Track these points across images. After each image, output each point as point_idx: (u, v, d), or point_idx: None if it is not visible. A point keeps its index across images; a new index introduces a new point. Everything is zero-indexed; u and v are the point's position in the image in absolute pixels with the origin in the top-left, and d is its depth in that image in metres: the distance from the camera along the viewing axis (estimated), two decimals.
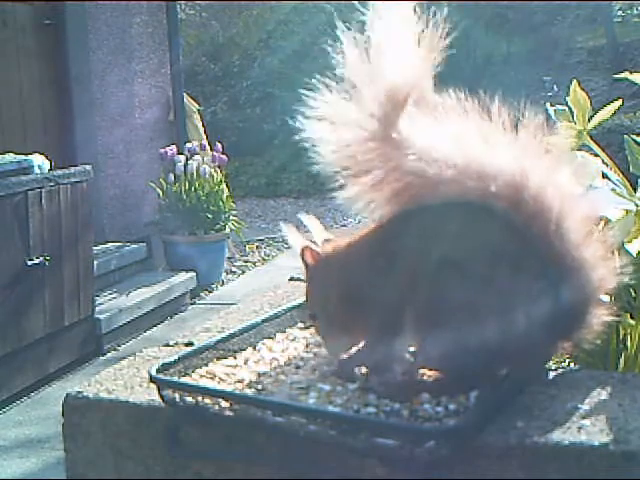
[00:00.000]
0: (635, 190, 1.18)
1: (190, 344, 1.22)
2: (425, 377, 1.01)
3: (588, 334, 0.99)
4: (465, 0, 10.60)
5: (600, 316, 0.98)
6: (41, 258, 4.00)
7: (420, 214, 1.01)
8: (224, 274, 6.16)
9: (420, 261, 0.97)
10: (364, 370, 1.04)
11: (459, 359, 0.94)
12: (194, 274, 5.56)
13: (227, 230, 6.03)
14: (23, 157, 4.13)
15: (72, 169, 4.36)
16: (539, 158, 0.98)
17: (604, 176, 1.20)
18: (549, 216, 0.95)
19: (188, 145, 6.10)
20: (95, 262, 4.65)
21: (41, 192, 4.02)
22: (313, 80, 1.01)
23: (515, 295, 0.94)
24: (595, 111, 1.23)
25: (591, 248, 0.97)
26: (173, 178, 5.85)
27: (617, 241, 1.15)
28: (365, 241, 1.05)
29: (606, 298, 1.12)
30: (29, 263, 3.93)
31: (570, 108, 1.23)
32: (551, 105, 1.21)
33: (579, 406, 0.93)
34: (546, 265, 0.95)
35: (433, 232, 0.98)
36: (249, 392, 1.00)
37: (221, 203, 5.94)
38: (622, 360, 1.17)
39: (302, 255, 1.07)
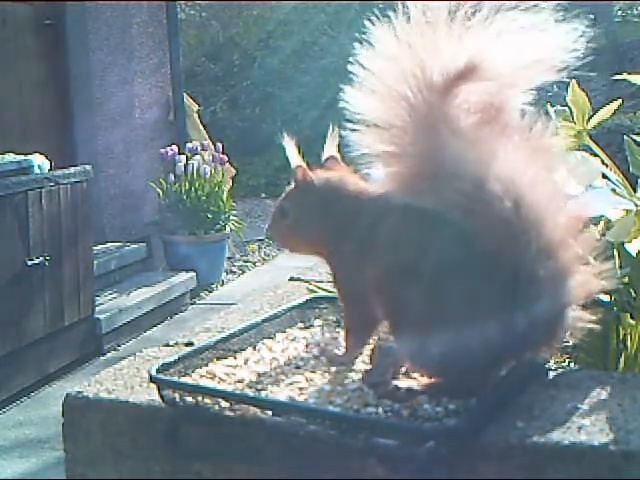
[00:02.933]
0: (635, 190, 1.18)
1: (190, 344, 1.22)
2: (423, 379, 1.01)
3: (570, 338, 0.97)
4: (466, 0, 10.60)
5: (583, 319, 0.95)
6: (41, 258, 4.00)
7: (391, 214, 1.00)
8: (224, 274, 6.16)
9: (384, 263, 0.98)
10: (363, 369, 1.04)
11: (452, 361, 0.94)
12: (194, 274, 5.56)
13: (227, 230, 6.04)
14: (23, 157, 4.14)
15: (72, 169, 4.37)
16: (527, 163, 0.94)
17: (604, 176, 1.20)
18: (525, 226, 0.91)
19: (189, 145, 6.11)
20: (95, 262, 4.65)
21: (41, 192, 4.02)
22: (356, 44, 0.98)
23: (477, 307, 0.92)
24: (595, 111, 1.23)
25: (569, 253, 0.93)
26: (173, 178, 5.85)
27: (617, 241, 1.15)
28: (358, 201, 1.06)
29: (606, 298, 1.12)
30: (29, 263, 3.93)
31: (570, 108, 1.23)
32: (551, 105, 1.21)
33: (579, 406, 0.93)
34: (516, 276, 0.91)
35: (397, 237, 0.98)
36: (249, 392, 1.00)
37: (221, 203, 5.94)
38: (622, 360, 1.17)
39: (295, 172, 1.10)
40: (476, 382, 0.95)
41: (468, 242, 0.93)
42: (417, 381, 1.00)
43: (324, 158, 1.12)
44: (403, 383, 1.00)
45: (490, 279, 0.92)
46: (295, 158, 1.10)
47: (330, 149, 1.12)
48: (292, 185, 1.12)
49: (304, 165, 1.09)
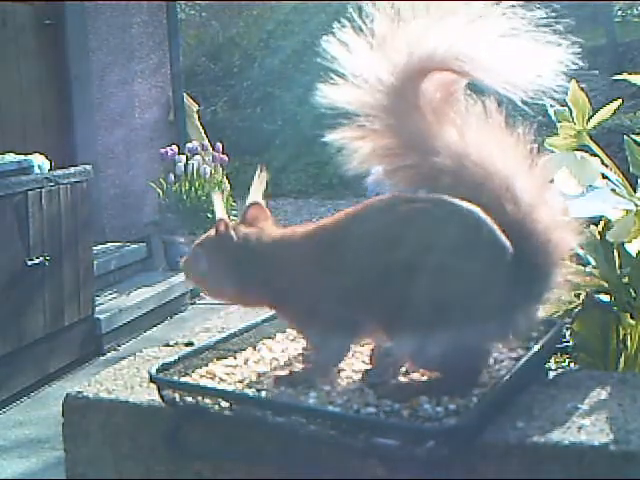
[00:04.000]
0: (635, 190, 1.18)
1: (190, 344, 1.22)
2: (423, 378, 1.01)
3: (555, 293, 0.98)
4: (466, 0, 10.60)
5: (563, 274, 0.98)
6: (41, 258, 4.00)
7: (369, 216, 1.00)
8: None
9: (376, 263, 0.97)
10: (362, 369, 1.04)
11: (453, 358, 0.94)
12: None
13: None
14: (23, 157, 4.13)
15: (72, 169, 4.36)
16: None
17: (604, 176, 1.20)
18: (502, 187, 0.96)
19: (188, 145, 6.10)
20: (95, 262, 4.65)
21: (41, 192, 4.02)
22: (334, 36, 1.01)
23: (486, 280, 0.94)
24: (595, 111, 1.23)
25: (545, 212, 0.97)
26: (173, 178, 5.85)
27: (617, 241, 1.15)
28: (309, 238, 1.04)
29: (605, 298, 1.12)
30: (29, 263, 3.92)
31: (570, 108, 1.23)
32: (551, 105, 1.21)
33: (579, 406, 0.93)
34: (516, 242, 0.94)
35: (388, 234, 0.97)
36: (249, 392, 1.00)
37: None
38: (622, 360, 1.17)
39: (218, 225, 1.07)
40: (477, 378, 0.96)
41: (468, 232, 0.95)
42: (417, 381, 1.00)
43: (248, 203, 1.11)
44: (403, 383, 1.00)
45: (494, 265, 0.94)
46: (221, 212, 1.09)
47: (256, 194, 1.12)
48: (212, 235, 1.09)
49: (226, 219, 1.08)
